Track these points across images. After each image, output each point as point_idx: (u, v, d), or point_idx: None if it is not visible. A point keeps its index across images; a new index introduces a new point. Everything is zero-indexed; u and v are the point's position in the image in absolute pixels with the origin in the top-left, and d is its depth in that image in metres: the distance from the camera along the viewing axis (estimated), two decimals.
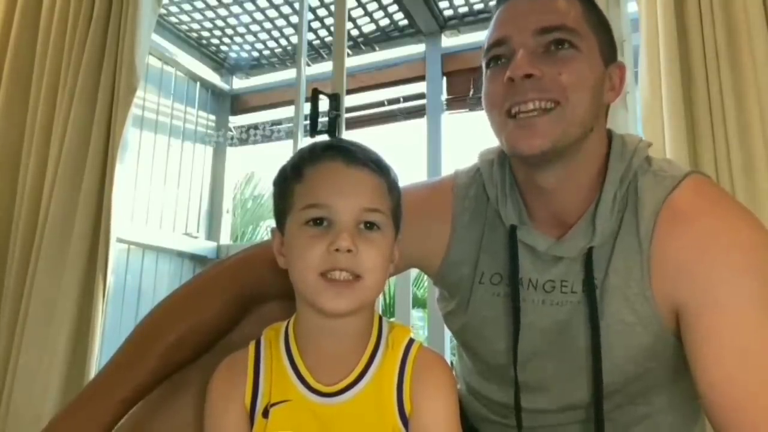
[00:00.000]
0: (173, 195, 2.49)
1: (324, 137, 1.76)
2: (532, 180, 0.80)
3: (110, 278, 1.74)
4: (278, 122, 2.73)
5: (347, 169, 0.64)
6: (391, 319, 0.71)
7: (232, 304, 0.80)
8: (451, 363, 1.61)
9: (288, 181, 0.67)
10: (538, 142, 0.73)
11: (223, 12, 2.42)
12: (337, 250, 0.60)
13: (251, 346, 0.69)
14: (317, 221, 0.63)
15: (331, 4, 2.19)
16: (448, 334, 2.07)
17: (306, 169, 0.65)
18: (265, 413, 0.64)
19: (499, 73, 0.76)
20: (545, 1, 0.77)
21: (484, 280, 0.85)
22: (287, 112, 2.67)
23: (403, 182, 0.72)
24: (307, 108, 1.86)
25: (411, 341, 0.68)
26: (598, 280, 0.77)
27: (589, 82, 0.75)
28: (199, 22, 2.51)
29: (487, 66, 0.80)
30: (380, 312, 0.71)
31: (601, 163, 0.80)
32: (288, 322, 0.70)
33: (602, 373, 0.76)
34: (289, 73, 2.72)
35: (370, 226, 0.64)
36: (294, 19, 2.39)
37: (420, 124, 2.36)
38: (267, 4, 2.34)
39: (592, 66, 0.76)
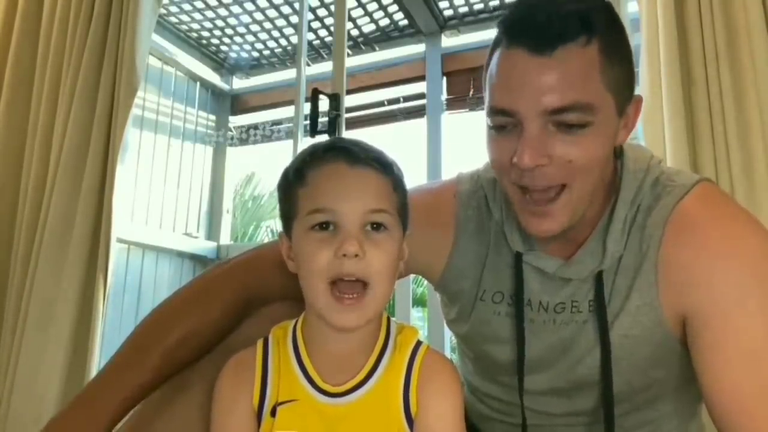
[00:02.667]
0: (173, 195, 2.49)
1: (324, 137, 1.76)
2: None
3: (110, 278, 1.74)
4: (278, 122, 2.73)
5: (350, 170, 0.64)
6: (393, 319, 0.71)
7: (235, 305, 0.80)
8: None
9: (291, 185, 0.66)
10: (548, 227, 0.72)
11: (223, 12, 2.42)
12: (344, 255, 0.60)
13: (259, 345, 0.69)
14: (323, 225, 0.62)
15: (331, 4, 2.19)
16: (448, 333, 2.07)
17: (308, 173, 0.65)
18: (273, 412, 0.64)
19: (505, 144, 0.71)
20: (557, 63, 0.66)
21: (485, 298, 0.85)
22: (287, 112, 2.67)
23: None
24: (307, 108, 1.86)
25: (419, 343, 0.68)
26: (606, 299, 0.77)
27: (601, 157, 0.71)
28: (199, 22, 2.51)
29: (491, 127, 0.74)
30: (386, 312, 0.71)
31: (609, 182, 0.78)
32: (296, 322, 0.69)
33: (612, 390, 0.76)
34: (289, 73, 2.72)
35: (376, 227, 0.63)
36: (294, 19, 2.39)
37: (420, 124, 2.36)
38: (267, 4, 2.34)
39: (603, 135, 0.70)
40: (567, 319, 0.79)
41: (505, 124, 0.71)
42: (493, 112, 0.72)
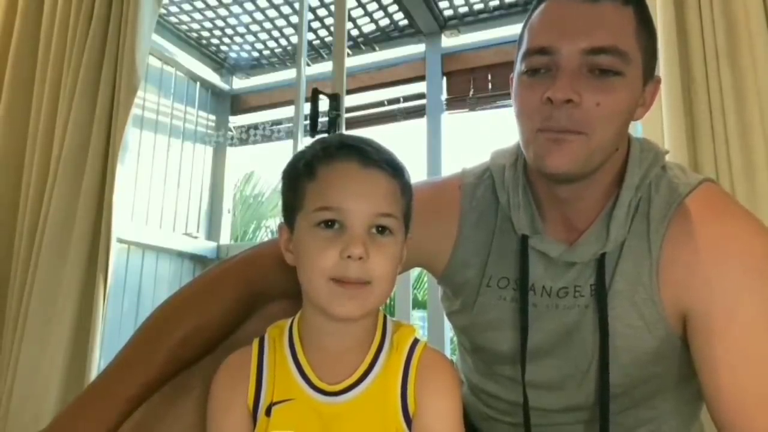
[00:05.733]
0: (173, 195, 2.49)
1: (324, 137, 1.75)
2: (549, 189, 0.80)
3: (110, 278, 1.73)
4: (278, 122, 2.73)
5: (362, 170, 0.63)
6: (393, 319, 0.71)
7: (238, 302, 0.80)
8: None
9: (300, 177, 0.66)
10: (564, 162, 0.72)
11: (223, 12, 2.42)
12: (349, 256, 0.60)
13: (255, 344, 0.69)
14: (329, 223, 0.62)
15: (331, 4, 2.19)
16: (448, 334, 2.07)
17: (319, 168, 0.64)
18: (268, 412, 0.64)
19: (537, 86, 0.73)
20: (601, 10, 0.72)
21: (491, 284, 0.85)
22: (287, 112, 2.67)
23: None
24: (307, 108, 1.85)
25: (416, 341, 0.67)
26: (606, 283, 0.77)
27: (624, 112, 0.73)
28: (199, 22, 2.51)
29: (524, 71, 0.75)
30: (383, 310, 0.70)
31: (618, 168, 0.79)
32: (292, 320, 0.69)
33: (609, 376, 0.76)
34: (289, 73, 2.72)
35: (381, 230, 0.63)
36: (294, 19, 2.39)
37: (420, 124, 2.37)
38: (267, 4, 2.34)
39: (631, 92, 0.73)
40: (569, 303, 0.80)
41: (539, 67, 0.73)
42: (531, 53, 0.74)
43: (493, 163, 0.89)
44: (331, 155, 0.64)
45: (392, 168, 0.65)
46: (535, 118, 0.73)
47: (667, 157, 0.84)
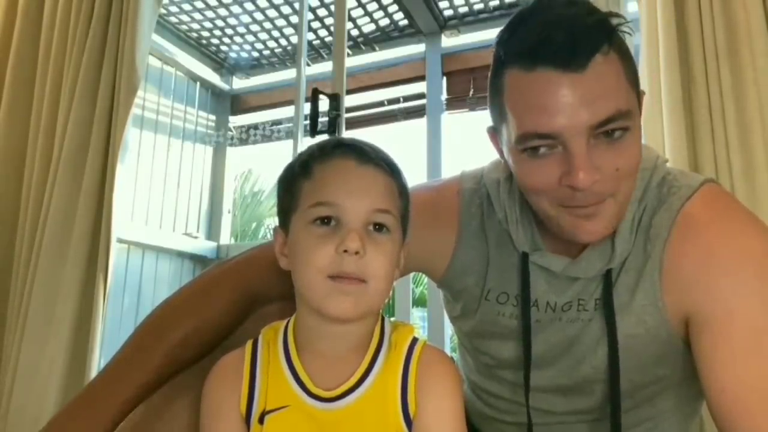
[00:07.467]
0: (173, 195, 2.49)
1: (324, 137, 1.75)
2: None
3: (110, 278, 1.73)
4: (278, 122, 2.73)
5: (359, 167, 0.63)
6: (392, 319, 0.70)
7: (237, 303, 0.79)
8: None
9: (296, 177, 0.65)
10: (599, 228, 0.70)
11: (223, 12, 2.42)
12: (345, 251, 0.58)
13: (248, 347, 0.67)
14: (325, 220, 0.61)
15: (331, 4, 2.19)
16: (448, 334, 2.07)
17: (315, 166, 0.64)
18: (261, 420, 0.63)
19: (544, 166, 0.68)
20: (593, 73, 0.64)
21: (490, 297, 0.84)
22: (287, 112, 2.67)
23: None
24: (307, 108, 1.86)
25: (415, 340, 0.66)
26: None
27: (639, 158, 0.71)
28: (199, 22, 2.51)
29: (522, 150, 0.70)
30: (381, 311, 0.69)
31: None
32: (288, 322, 0.68)
33: (620, 389, 0.76)
34: (289, 73, 2.72)
35: (379, 228, 0.62)
36: (294, 19, 2.39)
37: (420, 124, 2.36)
38: (267, 4, 2.34)
39: (639, 133, 0.71)
40: (573, 317, 0.79)
41: (541, 146, 0.68)
42: (529, 137, 0.68)
43: (488, 178, 0.87)
44: (327, 154, 0.64)
45: (389, 166, 0.65)
46: (552, 196, 0.70)
47: (668, 157, 0.84)
